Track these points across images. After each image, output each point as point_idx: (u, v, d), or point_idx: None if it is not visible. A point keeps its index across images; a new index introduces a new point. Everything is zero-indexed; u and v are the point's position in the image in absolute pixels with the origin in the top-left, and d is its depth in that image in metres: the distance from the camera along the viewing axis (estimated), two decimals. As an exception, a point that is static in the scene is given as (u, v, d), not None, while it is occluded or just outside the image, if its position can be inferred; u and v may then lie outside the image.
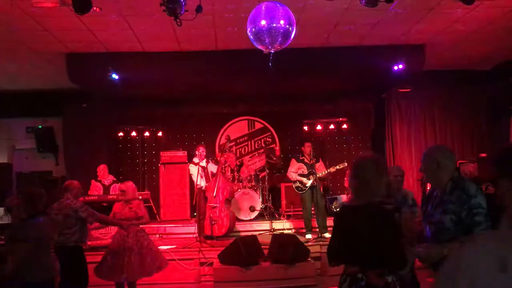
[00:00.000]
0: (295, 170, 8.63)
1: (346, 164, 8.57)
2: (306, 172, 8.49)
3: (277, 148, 11.12)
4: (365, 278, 2.74)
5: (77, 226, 5.70)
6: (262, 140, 11.62)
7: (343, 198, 9.42)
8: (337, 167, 8.45)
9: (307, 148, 8.77)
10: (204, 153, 8.74)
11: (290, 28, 4.56)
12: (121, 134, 11.27)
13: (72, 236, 5.66)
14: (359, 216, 2.84)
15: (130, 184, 6.49)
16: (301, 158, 8.71)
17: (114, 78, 8.30)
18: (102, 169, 9.39)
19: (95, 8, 5.83)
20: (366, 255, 2.74)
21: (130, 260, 5.89)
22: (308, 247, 7.53)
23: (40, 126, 10.65)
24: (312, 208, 8.56)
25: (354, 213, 2.90)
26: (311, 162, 8.50)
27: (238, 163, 10.59)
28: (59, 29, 7.08)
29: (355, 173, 2.97)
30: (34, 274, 4.28)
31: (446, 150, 3.27)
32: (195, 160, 8.68)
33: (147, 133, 11.32)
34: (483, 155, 9.34)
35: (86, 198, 8.46)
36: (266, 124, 11.65)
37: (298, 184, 8.55)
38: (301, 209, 8.72)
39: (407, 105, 10.38)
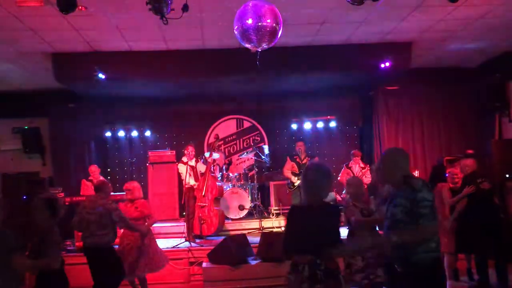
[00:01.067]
0: (289, 168, 8.81)
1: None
2: (297, 171, 8.59)
3: (266, 146, 11.13)
4: (323, 263, 3.25)
5: (111, 226, 5.70)
6: (251, 138, 11.62)
7: (334, 195, 9.44)
8: None
9: (298, 146, 8.88)
10: (193, 152, 8.76)
11: (277, 27, 4.55)
12: (108, 133, 11.19)
13: (106, 237, 5.63)
14: (306, 214, 3.39)
15: (136, 184, 6.60)
16: (294, 157, 8.83)
17: (101, 78, 8.24)
18: (94, 170, 9.32)
19: (80, 7, 5.78)
20: (315, 246, 3.25)
21: (139, 258, 6.13)
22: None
23: (26, 127, 10.53)
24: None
25: (301, 211, 3.48)
26: (303, 161, 8.58)
27: (226, 162, 10.58)
28: (44, 28, 7.01)
29: (302, 177, 3.54)
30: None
31: (404, 152, 3.79)
32: (184, 159, 8.66)
33: (134, 133, 11.25)
34: (470, 151, 9.40)
35: (74, 198, 8.38)
36: (255, 123, 11.65)
37: (289, 181, 8.74)
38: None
39: (395, 102, 10.44)
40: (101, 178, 9.38)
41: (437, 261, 3.37)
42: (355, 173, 9.16)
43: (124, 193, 6.65)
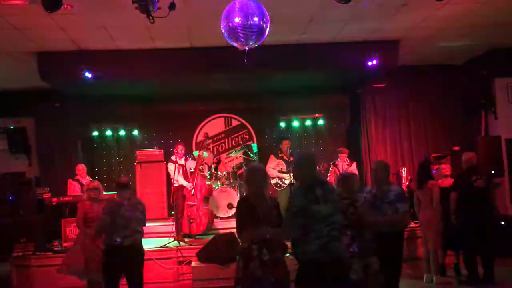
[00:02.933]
0: (273, 167, 8.69)
1: (325, 165, 9.08)
2: (285, 169, 8.54)
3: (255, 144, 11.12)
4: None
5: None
6: (239, 137, 11.61)
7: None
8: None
9: (285, 145, 8.83)
10: (183, 151, 8.72)
11: (264, 25, 4.56)
12: (95, 133, 11.12)
13: (141, 234, 5.62)
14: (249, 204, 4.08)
15: (99, 183, 6.50)
16: (280, 154, 8.77)
17: (87, 77, 8.16)
18: (81, 169, 9.23)
19: (65, 6, 5.72)
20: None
21: None
22: (286, 243, 7.56)
23: (12, 127, 10.42)
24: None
25: (245, 202, 4.15)
26: (290, 159, 8.55)
27: (215, 161, 10.56)
28: (29, 27, 6.93)
29: (244, 176, 4.38)
30: None
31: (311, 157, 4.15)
32: (173, 158, 8.63)
33: (122, 132, 11.19)
34: (456, 148, 9.50)
35: (61, 198, 8.31)
36: (243, 121, 11.64)
37: (277, 180, 8.62)
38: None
39: (382, 100, 10.49)
40: (88, 178, 9.33)
41: (318, 263, 3.58)
42: (341, 171, 9.17)
43: (115, 192, 6.55)
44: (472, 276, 6.48)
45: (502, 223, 8.35)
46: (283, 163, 8.64)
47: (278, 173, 8.59)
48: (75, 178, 9.12)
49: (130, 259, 5.50)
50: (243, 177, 4.47)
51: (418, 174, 6.93)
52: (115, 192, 6.54)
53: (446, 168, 7.47)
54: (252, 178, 4.14)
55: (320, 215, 3.60)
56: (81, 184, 9.03)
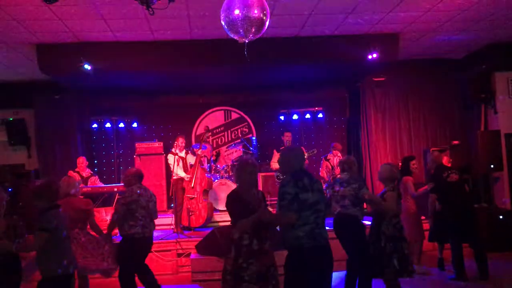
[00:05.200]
0: (276, 160, 8.84)
1: (315, 151, 9.30)
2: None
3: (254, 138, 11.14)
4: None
5: None
6: (239, 130, 11.61)
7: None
8: (308, 154, 8.78)
9: (286, 137, 8.93)
10: (184, 144, 8.74)
11: (264, 18, 4.53)
12: (95, 125, 11.12)
13: (154, 225, 5.66)
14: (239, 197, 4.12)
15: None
16: (281, 148, 8.83)
17: (87, 69, 8.14)
18: (82, 162, 9.25)
19: (65, -3, 5.70)
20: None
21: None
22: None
23: (11, 119, 10.39)
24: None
25: (236, 194, 4.15)
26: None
27: (215, 154, 10.56)
28: (28, 19, 6.89)
29: (235, 170, 4.32)
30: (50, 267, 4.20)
31: (297, 151, 4.34)
32: (174, 150, 8.64)
33: (121, 124, 11.18)
34: (456, 142, 9.52)
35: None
36: (243, 114, 11.63)
37: (278, 173, 8.78)
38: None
39: (382, 93, 10.47)
40: (90, 171, 9.35)
41: (305, 249, 3.76)
42: (334, 166, 9.26)
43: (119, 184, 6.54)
44: (458, 271, 6.49)
45: (501, 217, 8.38)
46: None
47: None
48: (75, 170, 9.14)
49: (147, 250, 5.64)
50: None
51: (400, 170, 7.18)
52: (120, 184, 6.52)
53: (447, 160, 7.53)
54: (243, 172, 4.17)
55: (307, 203, 3.79)
56: (81, 177, 9.07)
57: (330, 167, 9.35)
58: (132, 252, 5.48)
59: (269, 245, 4.07)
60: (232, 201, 4.10)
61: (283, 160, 4.17)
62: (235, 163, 10.28)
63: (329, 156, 9.56)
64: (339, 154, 9.46)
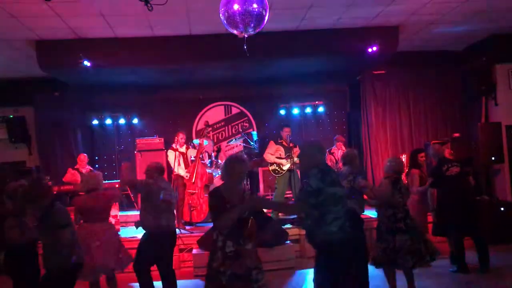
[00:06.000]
0: (272, 152, 8.67)
1: None
2: (283, 155, 8.53)
3: (255, 132, 11.12)
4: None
5: None
6: (239, 125, 11.60)
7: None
8: None
9: (285, 132, 8.81)
10: (184, 139, 8.74)
11: (264, 12, 4.51)
12: (95, 121, 11.10)
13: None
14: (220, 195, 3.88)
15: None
16: (279, 141, 8.75)
17: (86, 65, 8.13)
18: (82, 159, 9.26)
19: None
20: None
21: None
22: (287, 230, 7.62)
23: (11, 116, 10.39)
24: (289, 192, 8.60)
25: (216, 193, 3.94)
26: (289, 145, 8.54)
27: (215, 149, 10.55)
28: (27, 15, 6.88)
29: (223, 166, 4.13)
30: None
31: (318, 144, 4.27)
32: (174, 146, 8.63)
33: (122, 120, 11.17)
34: (456, 135, 9.50)
35: (62, 187, 8.33)
36: (243, 109, 11.62)
37: (275, 166, 8.61)
38: (279, 193, 8.74)
39: (382, 86, 10.44)
40: (89, 168, 9.35)
41: (338, 242, 3.75)
42: (337, 158, 9.22)
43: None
44: (460, 263, 6.50)
45: (502, 209, 8.38)
46: (282, 149, 8.64)
47: (276, 159, 8.58)
48: (75, 167, 9.15)
49: (171, 245, 5.58)
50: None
51: (409, 162, 7.16)
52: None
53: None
54: (230, 169, 3.97)
55: (337, 197, 3.82)
56: (80, 173, 9.08)
57: (334, 160, 9.30)
58: (157, 244, 5.40)
59: (252, 245, 3.80)
60: (210, 197, 3.95)
61: (306, 154, 4.13)
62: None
63: (333, 150, 9.50)
64: (343, 147, 9.41)
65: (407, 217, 5.41)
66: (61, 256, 4.27)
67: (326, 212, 3.74)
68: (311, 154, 4.03)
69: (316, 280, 3.84)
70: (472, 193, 7.01)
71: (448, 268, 6.71)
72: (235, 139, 10.56)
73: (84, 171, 9.19)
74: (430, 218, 7.40)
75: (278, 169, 8.56)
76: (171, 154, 8.60)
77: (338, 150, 9.40)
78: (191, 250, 7.49)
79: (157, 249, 5.39)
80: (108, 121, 11.12)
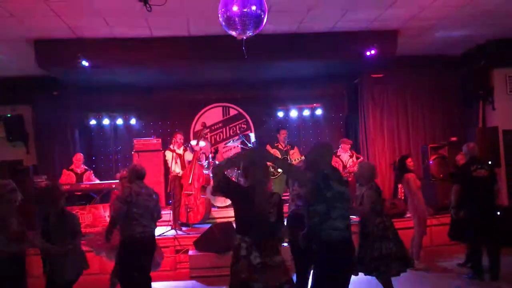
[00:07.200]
0: None
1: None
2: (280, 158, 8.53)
3: (252, 134, 11.12)
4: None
5: None
6: (237, 126, 11.61)
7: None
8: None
9: (282, 135, 8.83)
10: (182, 140, 8.76)
11: (262, 14, 4.52)
12: (93, 121, 11.10)
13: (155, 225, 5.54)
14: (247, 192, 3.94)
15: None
16: (275, 144, 8.78)
17: (85, 65, 8.12)
18: (78, 158, 9.25)
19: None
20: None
21: None
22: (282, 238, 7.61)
23: (9, 115, 10.37)
24: (287, 194, 8.57)
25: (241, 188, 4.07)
26: (286, 148, 8.57)
27: (213, 150, 10.56)
28: (26, 15, 6.86)
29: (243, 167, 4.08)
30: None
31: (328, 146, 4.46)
32: (171, 146, 8.63)
33: (120, 121, 11.17)
34: (454, 139, 9.51)
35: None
36: (241, 111, 11.63)
37: (270, 169, 8.61)
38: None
39: (380, 90, 10.46)
40: (84, 167, 9.34)
41: (344, 239, 3.90)
42: (344, 162, 9.20)
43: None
44: (476, 269, 6.43)
45: (498, 213, 8.38)
46: (278, 152, 8.67)
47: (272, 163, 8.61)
48: (70, 167, 9.15)
49: (149, 251, 5.39)
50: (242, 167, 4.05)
51: (396, 169, 7.17)
52: (118, 181, 6.43)
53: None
54: (254, 170, 3.89)
55: (345, 195, 3.97)
56: (76, 173, 9.09)
57: (341, 163, 9.20)
58: (132, 252, 5.24)
59: (279, 258, 3.73)
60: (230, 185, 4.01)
61: (317, 155, 4.16)
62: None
63: (339, 152, 9.39)
64: (348, 150, 9.34)
65: (392, 225, 5.41)
66: (73, 267, 4.23)
67: (332, 208, 3.84)
68: (324, 155, 4.15)
69: (315, 274, 3.95)
70: (494, 199, 6.63)
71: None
72: (233, 141, 10.56)
73: (79, 171, 9.20)
74: (429, 222, 7.45)
75: (274, 171, 8.59)
76: (168, 155, 8.62)
77: (345, 153, 9.34)
78: (187, 251, 7.49)
79: (137, 258, 5.27)
80: (106, 121, 11.11)
